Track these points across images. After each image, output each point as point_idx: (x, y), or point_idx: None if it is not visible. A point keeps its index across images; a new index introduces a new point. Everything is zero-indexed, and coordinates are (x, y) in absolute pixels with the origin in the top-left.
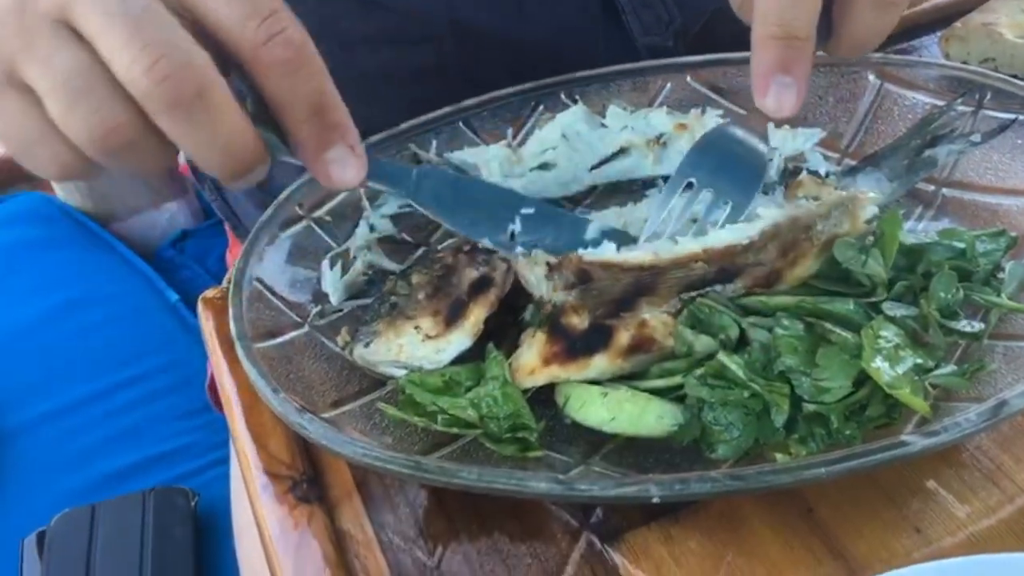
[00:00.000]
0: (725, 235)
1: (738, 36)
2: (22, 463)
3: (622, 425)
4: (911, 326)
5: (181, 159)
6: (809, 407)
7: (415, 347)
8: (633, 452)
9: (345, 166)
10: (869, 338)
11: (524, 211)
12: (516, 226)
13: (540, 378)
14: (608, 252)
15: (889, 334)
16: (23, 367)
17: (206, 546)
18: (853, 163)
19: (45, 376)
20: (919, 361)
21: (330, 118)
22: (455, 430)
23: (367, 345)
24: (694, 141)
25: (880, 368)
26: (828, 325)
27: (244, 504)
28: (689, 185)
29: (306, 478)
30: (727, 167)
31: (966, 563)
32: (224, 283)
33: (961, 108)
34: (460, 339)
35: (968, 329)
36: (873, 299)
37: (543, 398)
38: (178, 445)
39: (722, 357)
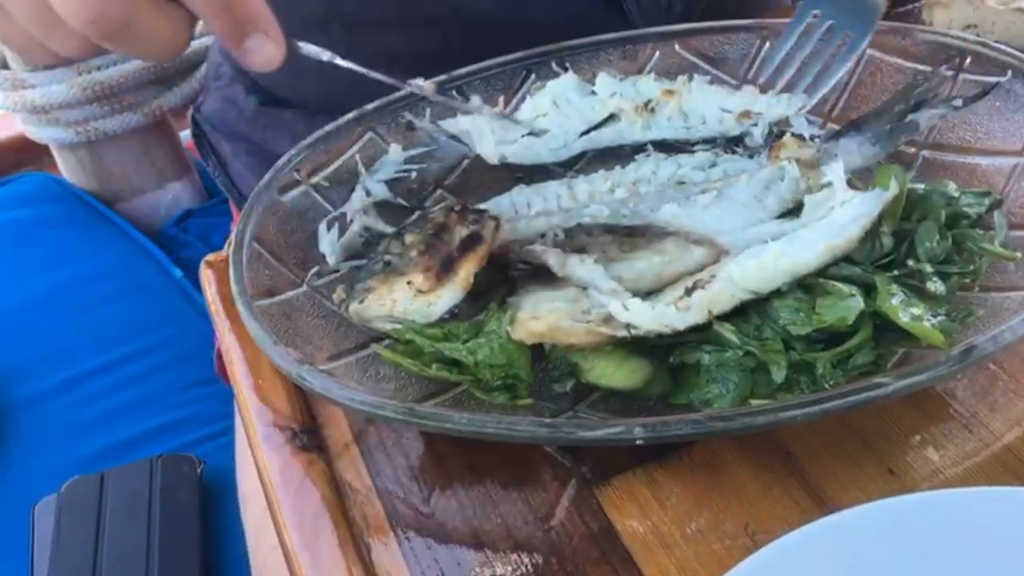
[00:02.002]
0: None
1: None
2: (33, 433)
3: (597, 375)
4: (911, 283)
5: (186, 139)
6: (795, 356)
7: (407, 301)
8: (620, 401)
9: (263, 52)
10: (883, 283)
11: None
12: None
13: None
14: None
15: (895, 288)
16: (33, 342)
17: (211, 511)
18: (836, 127)
19: (54, 350)
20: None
21: (239, 12)
22: (447, 373)
23: (361, 301)
24: (681, 107)
25: (897, 307)
26: (828, 282)
27: (249, 470)
28: (814, 18)
29: (306, 429)
30: (846, 6)
31: (931, 496)
32: (225, 247)
33: (943, 73)
34: (451, 293)
35: (961, 271)
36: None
37: (535, 353)
38: (184, 415)
39: (715, 326)
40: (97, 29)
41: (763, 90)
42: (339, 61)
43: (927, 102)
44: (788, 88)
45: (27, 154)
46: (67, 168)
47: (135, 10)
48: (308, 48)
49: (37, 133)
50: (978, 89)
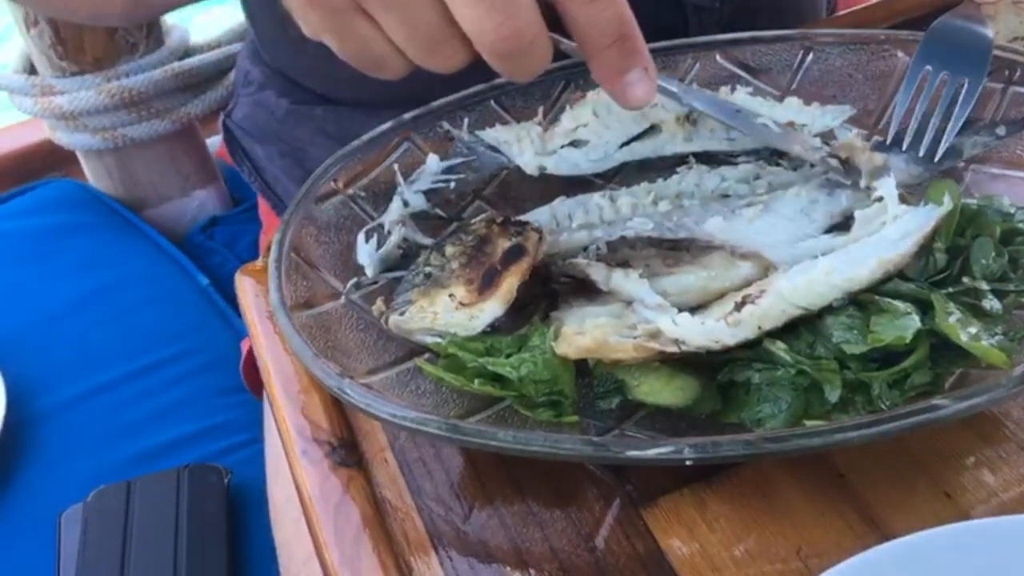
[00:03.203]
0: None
1: (780, 4)
2: (60, 441)
3: (644, 392)
4: (966, 300)
5: (212, 149)
6: (850, 375)
7: (449, 314)
8: (667, 420)
9: (640, 87)
10: (939, 302)
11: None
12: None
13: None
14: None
15: (952, 306)
16: (60, 349)
17: (238, 521)
18: (880, 139)
19: (81, 358)
20: (982, 330)
21: (629, 44)
22: (491, 388)
23: (402, 314)
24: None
25: (955, 326)
26: (882, 299)
27: (280, 482)
28: (927, 72)
29: (344, 443)
30: (957, 52)
31: (992, 524)
32: (261, 257)
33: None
34: (493, 307)
35: (1018, 288)
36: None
37: (578, 369)
38: (211, 424)
39: (766, 344)
40: (506, 46)
41: (807, 102)
42: None
43: (971, 125)
44: (912, 147)
45: (54, 160)
46: (94, 174)
47: (540, 30)
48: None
49: (64, 139)
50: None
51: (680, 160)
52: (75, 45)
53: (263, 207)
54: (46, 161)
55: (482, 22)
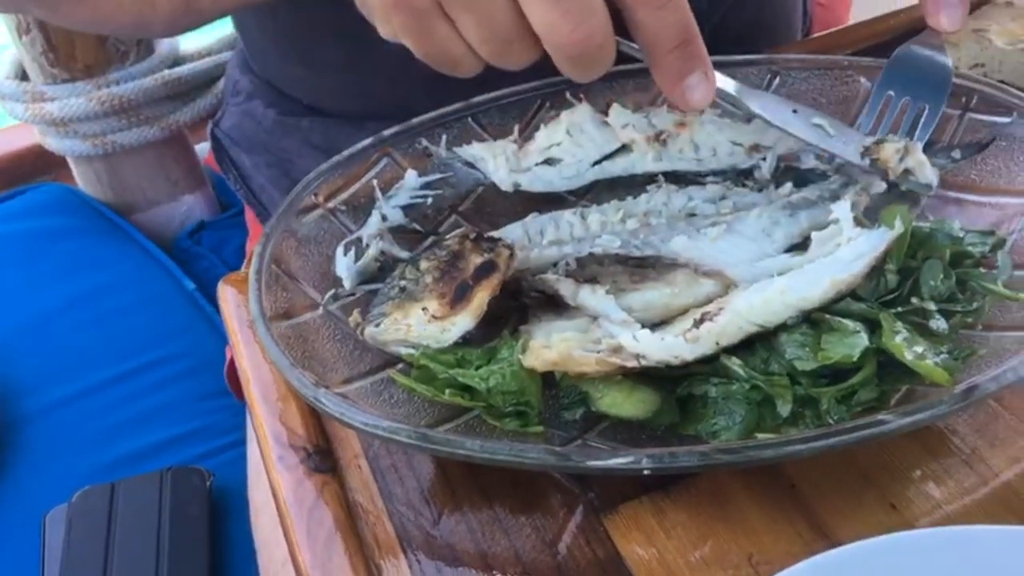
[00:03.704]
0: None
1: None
2: (45, 443)
3: (606, 404)
4: (914, 320)
5: (201, 154)
6: (801, 391)
7: (422, 327)
8: (628, 431)
9: (700, 90)
10: (888, 321)
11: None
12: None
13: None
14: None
15: (899, 325)
16: (47, 352)
17: (220, 523)
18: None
19: (68, 360)
20: (927, 348)
21: (691, 48)
22: (460, 399)
23: (377, 325)
24: (692, 139)
25: (901, 345)
26: (833, 318)
27: (260, 485)
28: (890, 97)
29: (319, 450)
30: (918, 79)
31: (931, 533)
32: (243, 267)
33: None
34: (464, 320)
35: (964, 310)
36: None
37: (545, 381)
38: (195, 427)
39: (723, 359)
40: (577, 50)
41: None
42: None
43: (929, 148)
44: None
45: (43, 164)
46: (83, 179)
47: (609, 34)
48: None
49: (54, 144)
50: (981, 135)
51: (650, 179)
52: (66, 52)
53: (249, 215)
54: (36, 165)
55: (557, 26)
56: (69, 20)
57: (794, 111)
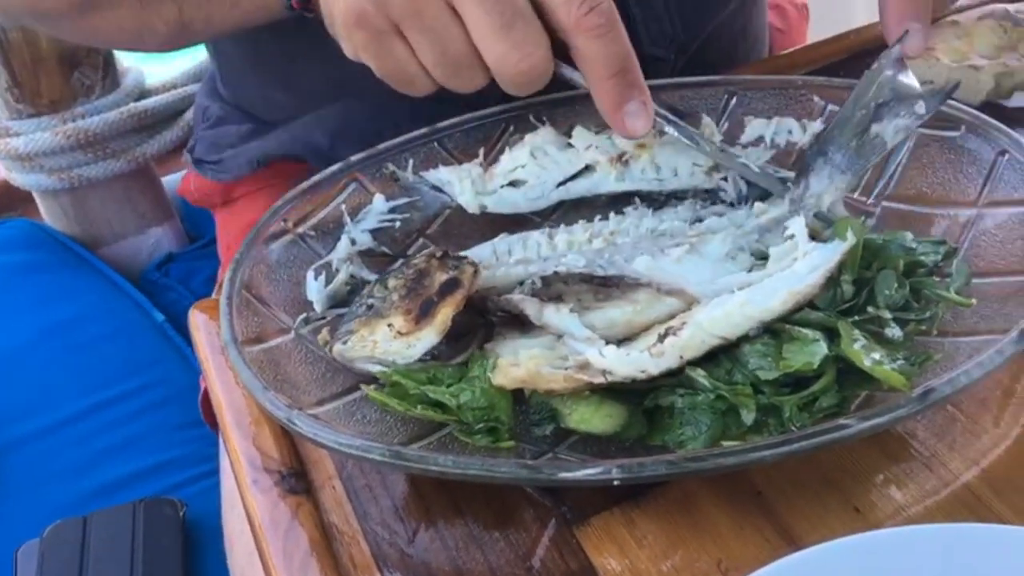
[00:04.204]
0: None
1: (725, 56)
2: (16, 477)
3: (575, 420)
4: (871, 328)
5: (169, 187)
6: (764, 399)
7: (388, 343)
8: (598, 444)
9: (638, 118)
10: (846, 329)
11: None
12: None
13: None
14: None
15: (857, 333)
16: (16, 386)
17: (193, 554)
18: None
19: (37, 394)
20: (884, 355)
21: (629, 77)
22: (432, 413)
23: (345, 343)
24: (654, 160)
25: (860, 351)
26: (793, 328)
27: (235, 513)
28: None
29: (293, 472)
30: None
31: (892, 533)
32: (215, 293)
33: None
34: (429, 336)
35: (918, 318)
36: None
37: (516, 398)
38: (167, 458)
39: (688, 371)
40: (522, 79)
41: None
42: None
43: (887, 108)
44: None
45: (9, 200)
46: (49, 214)
47: (550, 64)
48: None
49: (20, 180)
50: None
51: (617, 198)
52: (31, 88)
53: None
54: (1, 201)
55: (506, 58)
56: (68, 35)
57: (722, 150)
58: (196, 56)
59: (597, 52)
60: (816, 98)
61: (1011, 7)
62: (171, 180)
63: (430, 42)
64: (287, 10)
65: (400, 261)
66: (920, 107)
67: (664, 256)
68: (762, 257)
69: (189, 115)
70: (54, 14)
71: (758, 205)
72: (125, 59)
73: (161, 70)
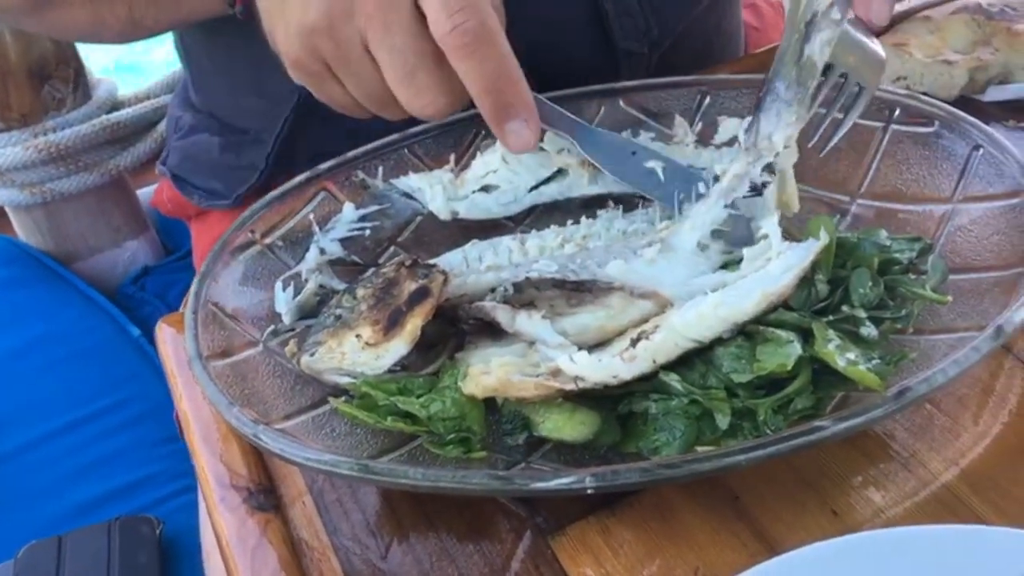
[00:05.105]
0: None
1: (700, 52)
2: None
3: (548, 428)
4: (846, 327)
5: (143, 199)
6: (738, 403)
7: (356, 354)
8: (572, 451)
9: (519, 136)
10: (820, 330)
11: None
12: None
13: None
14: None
15: (831, 333)
16: None
17: (171, 571)
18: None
19: (11, 412)
20: (859, 355)
21: (504, 97)
22: (402, 425)
23: (312, 354)
24: None
25: (833, 352)
26: (767, 329)
27: (211, 527)
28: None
29: (261, 488)
30: (851, 57)
31: (871, 537)
32: (181, 308)
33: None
34: (398, 346)
35: (894, 316)
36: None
37: (488, 407)
38: (144, 475)
39: (661, 376)
40: (426, 113)
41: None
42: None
43: (812, 25)
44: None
45: None
46: (23, 229)
47: (456, 106)
48: (557, 134)
49: None
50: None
51: (590, 201)
52: (1, 102)
53: (198, 252)
54: None
55: (410, 104)
56: (31, 29)
57: (633, 153)
58: (168, 67)
59: (466, 71)
60: None
61: (983, 1)
62: (146, 193)
63: (355, 84)
64: (229, 7)
65: (370, 270)
66: (835, 13)
67: (636, 258)
68: (734, 244)
69: (162, 127)
70: (14, 10)
71: (718, 167)
72: (96, 71)
73: (134, 81)
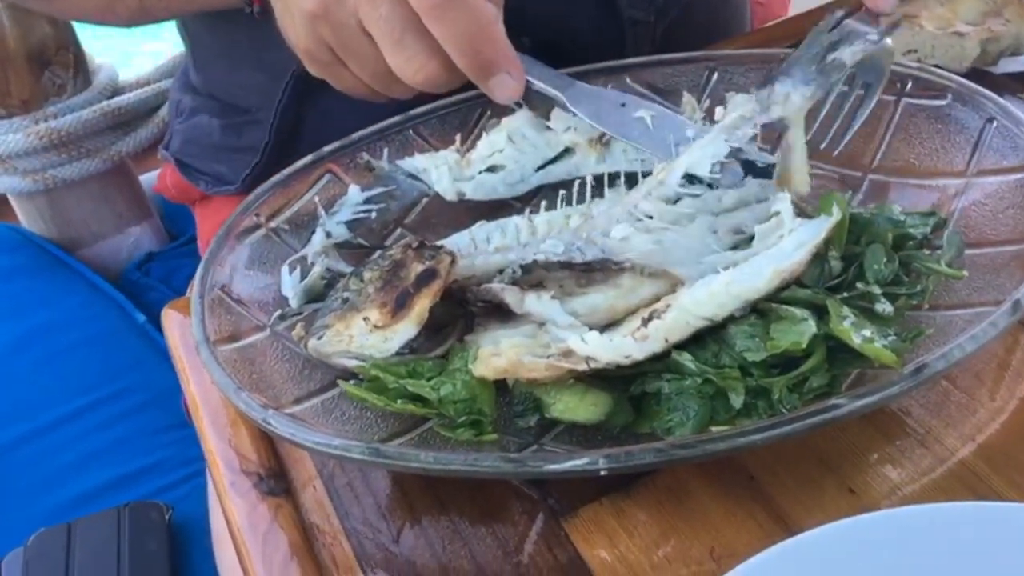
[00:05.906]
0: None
1: (706, 24)
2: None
3: (560, 409)
4: (860, 304)
5: (146, 184)
6: (752, 382)
7: (364, 337)
8: (584, 433)
9: (504, 87)
10: (834, 307)
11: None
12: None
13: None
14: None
15: (846, 310)
16: None
17: (181, 557)
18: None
19: (18, 401)
20: (875, 331)
21: (483, 55)
22: (413, 408)
23: (320, 338)
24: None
25: (849, 329)
26: (781, 307)
27: (221, 513)
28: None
29: (272, 473)
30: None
31: (890, 515)
32: (187, 293)
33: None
34: (406, 328)
35: (909, 292)
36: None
37: (499, 389)
38: (152, 461)
39: (674, 355)
40: (428, 87)
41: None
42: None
43: (843, 42)
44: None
45: None
46: (26, 217)
47: (449, 71)
48: (540, 86)
49: None
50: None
51: (597, 181)
52: (1, 89)
53: (203, 237)
54: None
55: (402, 71)
56: (43, 11)
57: (623, 104)
58: (170, 51)
59: (441, 34)
60: None
61: None
62: (149, 178)
63: (359, 66)
64: (247, 6)
65: (377, 253)
66: (873, 35)
67: (642, 224)
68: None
69: (164, 111)
70: None
71: (728, 117)
72: (97, 56)
73: (135, 66)
